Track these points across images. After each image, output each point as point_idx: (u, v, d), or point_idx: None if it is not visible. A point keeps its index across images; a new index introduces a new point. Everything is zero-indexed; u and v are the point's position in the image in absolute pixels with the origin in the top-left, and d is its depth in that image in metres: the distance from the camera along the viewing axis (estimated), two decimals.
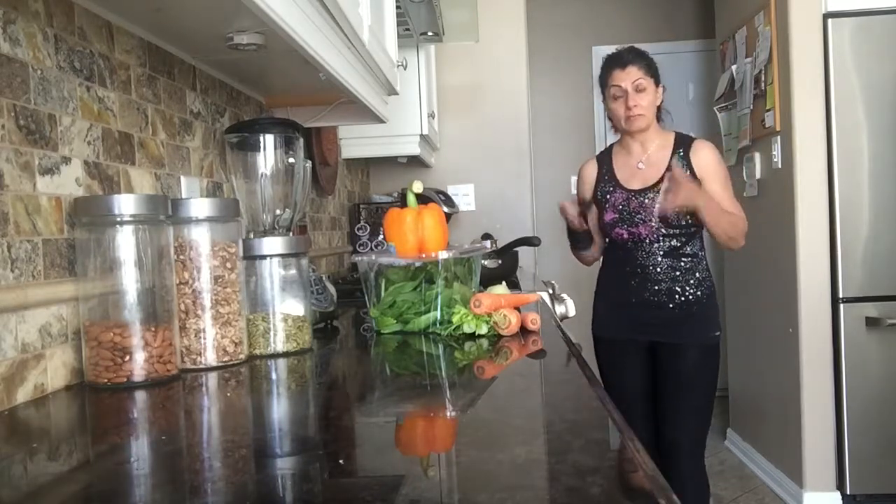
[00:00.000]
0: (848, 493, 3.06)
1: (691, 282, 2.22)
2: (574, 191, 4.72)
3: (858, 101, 3.03)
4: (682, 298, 2.21)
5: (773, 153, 3.26)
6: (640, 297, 2.24)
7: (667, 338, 2.24)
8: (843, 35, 3.02)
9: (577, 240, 2.34)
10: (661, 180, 2.18)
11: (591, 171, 2.38)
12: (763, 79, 3.32)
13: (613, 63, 2.24)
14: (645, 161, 2.26)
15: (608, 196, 2.28)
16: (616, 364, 2.35)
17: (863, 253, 3.03)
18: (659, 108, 2.29)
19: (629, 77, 2.20)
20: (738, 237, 2.18)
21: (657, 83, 2.25)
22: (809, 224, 3.08)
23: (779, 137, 3.21)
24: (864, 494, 3.07)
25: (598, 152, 2.49)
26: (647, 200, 2.20)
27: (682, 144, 2.24)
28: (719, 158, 2.26)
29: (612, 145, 2.41)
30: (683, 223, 2.17)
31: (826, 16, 3.02)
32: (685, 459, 2.23)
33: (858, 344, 3.04)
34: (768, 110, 3.27)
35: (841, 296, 3.04)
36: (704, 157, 2.22)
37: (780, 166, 3.21)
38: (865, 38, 3.02)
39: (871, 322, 3.02)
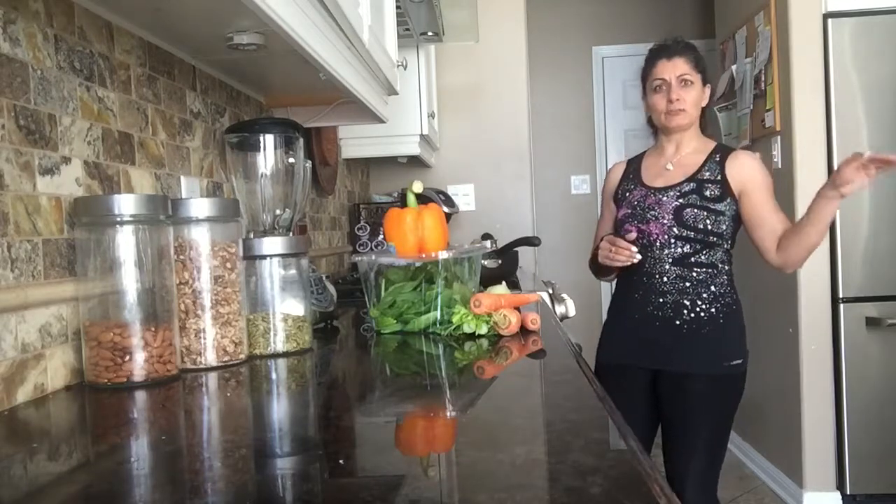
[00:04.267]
0: (848, 493, 3.06)
1: (704, 295, 1.96)
2: (574, 191, 4.80)
3: (858, 101, 3.03)
4: (692, 315, 1.96)
5: (773, 153, 3.26)
6: (643, 312, 2.01)
7: (670, 365, 1.98)
8: (843, 35, 3.02)
9: (600, 271, 2.13)
10: (685, 181, 1.99)
11: (618, 172, 2.19)
12: (763, 79, 3.32)
13: (659, 54, 2.04)
14: (675, 163, 2.05)
15: (627, 194, 2.09)
16: (614, 391, 2.06)
17: (863, 253, 3.04)
18: (704, 111, 2.08)
19: (675, 69, 1.99)
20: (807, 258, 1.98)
21: (705, 82, 2.04)
22: None
23: (779, 137, 3.22)
24: (864, 494, 3.07)
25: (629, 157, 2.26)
26: (665, 198, 1.98)
27: (720, 151, 2.03)
28: (762, 167, 2.02)
29: (646, 150, 2.20)
30: (701, 227, 1.94)
31: (826, 16, 3.03)
32: (692, 497, 1.98)
33: (858, 344, 3.04)
34: (768, 110, 3.27)
35: (841, 296, 3.04)
36: (743, 164, 1.98)
37: (780, 166, 3.21)
38: (865, 38, 3.02)
39: (871, 322, 3.02)
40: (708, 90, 2.07)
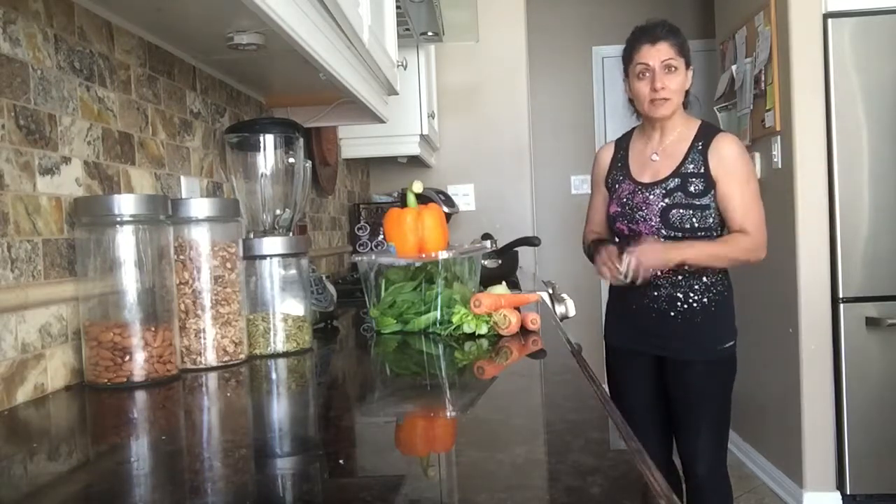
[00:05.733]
0: (848, 493, 3.06)
1: (696, 287, 2.02)
2: (574, 191, 4.80)
3: (858, 101, 3.03)
4: (685, 306, 2.02)
5: (773, 153, 3.26)
6: (640, 304, 2.07)
7: (671, 353, 2.07)
8: (843, 35, 3.02)
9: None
10: (670, 176, 2.01)
11: (607, 155, 2.20)
12: (763, 79, 3.32)
13: (643, 37, 2.01)
14: (660, 152, 2.07)
15: (616, 186, 2.12)
16: (623, 374, 2.20)
17: (863, 253, 3.03)
18: (687, 93, 2.09)
19: (659, 55, 1.98)
20: (751, 257, 2.00)
21: (688, 65, 2.04)
22: (809, 224, 3.08)
23: (779, 137, 3.22)
24: (864, 494, 3.07)
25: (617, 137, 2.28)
26: (651, 196, 2.01)
27: (704, 137, 2.03)
28: (742, 154, 2.03)
29: (633, 129, 2.22)
30: (688, 226, 1.98)
31: (826, 16, 3.02)
32: (704, 472, 2.07)
33: (858, 344, 3.04)
34: (768, 110, 3.27)
35: (841, 296, 3.04)
36: (724, 152, 2.00)
37: (780, 166, 3.21)
38: (865, 38, 3.02)
39: (871, 322, 3.01)
40: (691, 73, 2.07)
